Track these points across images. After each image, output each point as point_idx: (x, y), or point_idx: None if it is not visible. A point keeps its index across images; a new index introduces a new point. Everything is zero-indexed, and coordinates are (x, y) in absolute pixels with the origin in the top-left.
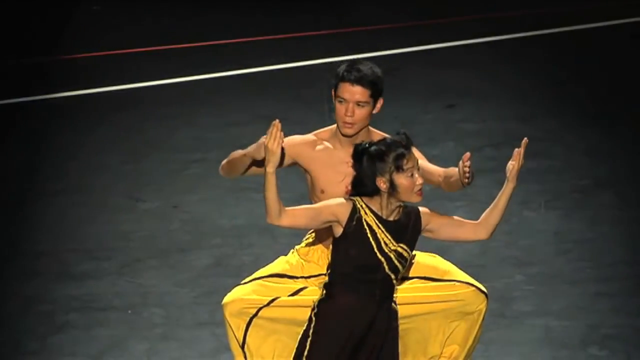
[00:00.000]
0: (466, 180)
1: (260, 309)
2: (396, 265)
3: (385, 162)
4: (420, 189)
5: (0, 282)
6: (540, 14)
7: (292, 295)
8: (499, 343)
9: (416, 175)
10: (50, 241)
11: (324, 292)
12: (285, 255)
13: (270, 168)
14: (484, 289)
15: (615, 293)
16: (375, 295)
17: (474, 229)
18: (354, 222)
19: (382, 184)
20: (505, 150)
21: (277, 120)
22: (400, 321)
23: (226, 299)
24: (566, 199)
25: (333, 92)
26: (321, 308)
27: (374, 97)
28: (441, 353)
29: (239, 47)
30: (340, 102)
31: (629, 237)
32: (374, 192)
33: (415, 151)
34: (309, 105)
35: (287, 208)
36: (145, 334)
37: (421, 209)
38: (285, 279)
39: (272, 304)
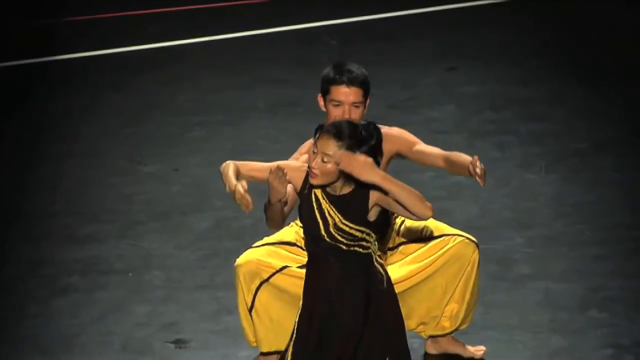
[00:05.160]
0: (481, 182)
1: (272, 274)
2: (337, 238)
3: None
4: (313, 171)
5: (2, 245)
6: None
7: (301, 267)
8: (499, 305)
9: (317, 160)
10: (51, 204)
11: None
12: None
13: (274, 199)
14: (473, 238)
15: (614, 256)
16: (329, 262)
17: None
18: (306, 190)
19: None
20: (505, 113)
21: (282, 167)
22: (397, 284)
23: (240, 260)
24: (565, 162)
25: (322, 98)
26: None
27: (366, 96)
28: (442, 313)
29: (241, 9)
30: (336, 105)
31: (627, 200)
32: None
33: (406, 134)
34: (310, 68)
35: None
36: (146, 297)
37: (372, 191)
38: (296, 248)
39: (283, 271)
